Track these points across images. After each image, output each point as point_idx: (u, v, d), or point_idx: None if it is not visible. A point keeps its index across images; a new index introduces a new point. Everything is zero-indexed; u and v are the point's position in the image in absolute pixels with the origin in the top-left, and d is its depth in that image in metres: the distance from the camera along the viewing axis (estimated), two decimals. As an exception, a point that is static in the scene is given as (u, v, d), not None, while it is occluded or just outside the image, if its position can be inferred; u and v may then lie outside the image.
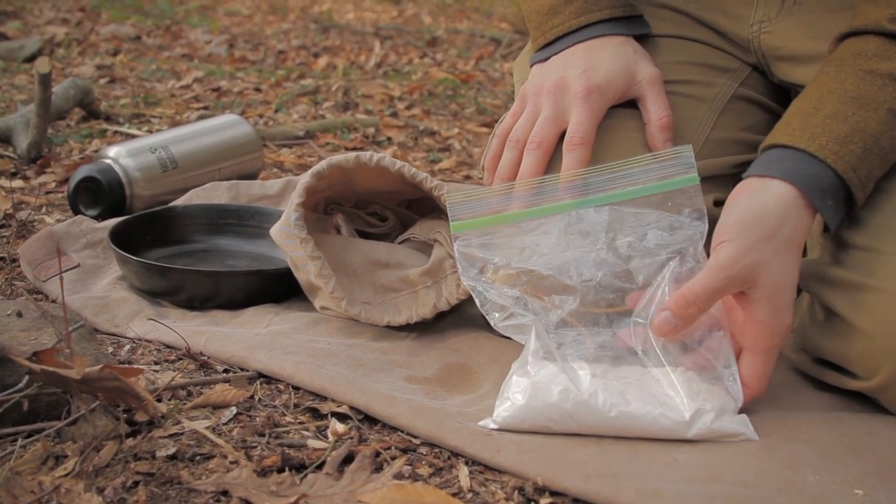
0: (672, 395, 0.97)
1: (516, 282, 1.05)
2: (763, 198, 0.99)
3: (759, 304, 0.97)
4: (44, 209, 1.67)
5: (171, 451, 0.93)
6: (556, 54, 1.19)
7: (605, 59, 1.16)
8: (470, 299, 1.22)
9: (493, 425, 0.98)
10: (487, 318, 1.06)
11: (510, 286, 1.06)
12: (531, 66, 1.23)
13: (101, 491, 0.86)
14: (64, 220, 1.52)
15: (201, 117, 2.36)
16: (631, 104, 1.18)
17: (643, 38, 1.22)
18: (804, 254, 1.13)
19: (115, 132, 2.23)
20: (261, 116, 2.53)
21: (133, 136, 2.12)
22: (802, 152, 1.00)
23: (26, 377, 0.93)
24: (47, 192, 1.76)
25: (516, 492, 0.89)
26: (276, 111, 2.60)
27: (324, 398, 1.05)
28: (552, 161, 1.14)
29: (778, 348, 0.99)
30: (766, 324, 0.98)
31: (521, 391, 0.98)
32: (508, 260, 1.06)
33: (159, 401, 1.03)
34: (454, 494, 0.89)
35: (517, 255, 1.06)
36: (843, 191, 1.01)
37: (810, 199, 0.99)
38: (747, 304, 0.98)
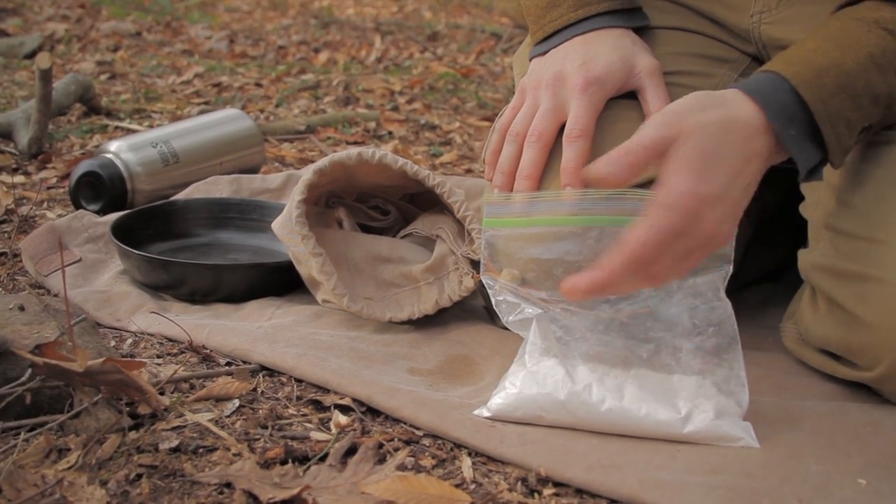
0: (671, 392, 0.97)
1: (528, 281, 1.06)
2: (711, 92, 0.98)
3: (669, 162, 0.92)
4: (45, 204, 1.67)
5: (174, 443, 0.93)
6: (554, 47, 1.19)
7: (603, 52, 1.16)
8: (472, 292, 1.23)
9: (486, 413, 0.98)
10: (499, 314, 1.06)
11: (519, 283, 1.06)
12: (530, 60, 1.23)
13: (104, 484, 0.86)
14: (65, 215, 1.52)
15: (202, 112, 2.36)
16: (631, 95, 1.18)
17: (642, 30, 1.22)
18: (805, 244, 1.13)
19: (116, 127, 2.23)
20: (262, 111, 2.53)
21: (134, 132, 2.12)
22: (775, 74, 0.98)
23: (29, 371, 0.93)
24: (48, 188, 1.76)
25: (519, 483, 0.90)
26: (277, 106, 2.60)
27: (326, 390, 1.05)
28: (552, 154, 1.14)
29: (677, 213, 0.91)
30: (665, 181, 0.92)
31: (516, 380, 0.98)
32: (531, 264, 1.06)
33: (162, 394, 1.03)
34: (457, 486, 0.89)
35: (538, 263, 1.06)
36: (810, 125, 0.97)
37: (765, 110, 0.95)
38: (664, 164, 0.94)
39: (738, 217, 0.96)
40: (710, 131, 0.93)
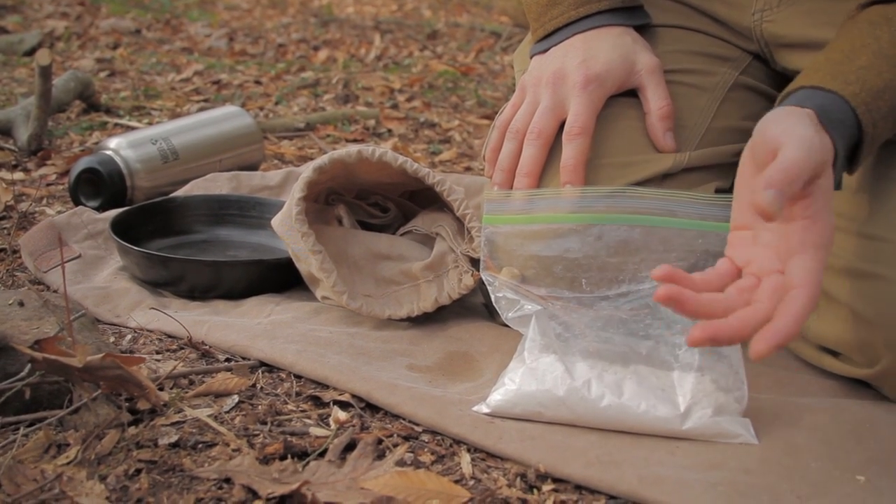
0: (670, 389, 0.97)
1: (527, 278, 1.06)
2: (796, 119, 0.92)
3: (820, 197, 0.88)
4: (44, 201, 1.67)
5: (174, 438, 0.93)
6: (555, 45, 1.19)
7: (603, 49, 1.16)
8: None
9: (485, 409, 0.98)
10: (499, 311, 1.06)
11: (519, 281, 1.06)
12: (531, 58, 1.23)
13: (103, 479, 0.86)
14: (65, 212, 1.52)
15: (202, 109, 2.36)
16: (631, 94, 1.18)
17: (643, 29, 1.22)
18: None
19: (116, 124, 2.23)
20: (261, 109, 2.53)
21: (134, 128, 2.12)
22: (834, 94, 0.95)
23: (28, 366, 0.93)
24: (48, 184, 1.76)
25: (518, 479, 0.90)
26: (277, 103, 2.60)
27: (325, 386, 1.06)
28: (552, 151, 1.14)
29: (828, 247, 0.87)
30: (821, 218, 0.88)
31: (515, 377, 0.99)
32: (531, 261, 1.06)
33: (161, 389, 1.03)
34: (456, 481, 0.89)
35: (537, 260, 1.06)
36: (855, 146, 0.96)
37: (835, 144, 0.91)
38: (805, 198, 0.88)
39: None
40: (829, 160, 0.90)
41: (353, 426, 0.97)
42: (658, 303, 1.03)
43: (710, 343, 0.83)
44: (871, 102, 0.95)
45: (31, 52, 2.99)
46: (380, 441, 0.94)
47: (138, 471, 0.88)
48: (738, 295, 0.87)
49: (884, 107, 0.96)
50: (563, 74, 1.15)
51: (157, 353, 1.14)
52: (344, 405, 1.02)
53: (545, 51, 1.20)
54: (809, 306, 0.83)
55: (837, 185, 0.97)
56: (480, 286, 1.19)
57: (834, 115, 0.93)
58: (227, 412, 1.00)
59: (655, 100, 1.16)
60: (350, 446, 0.93)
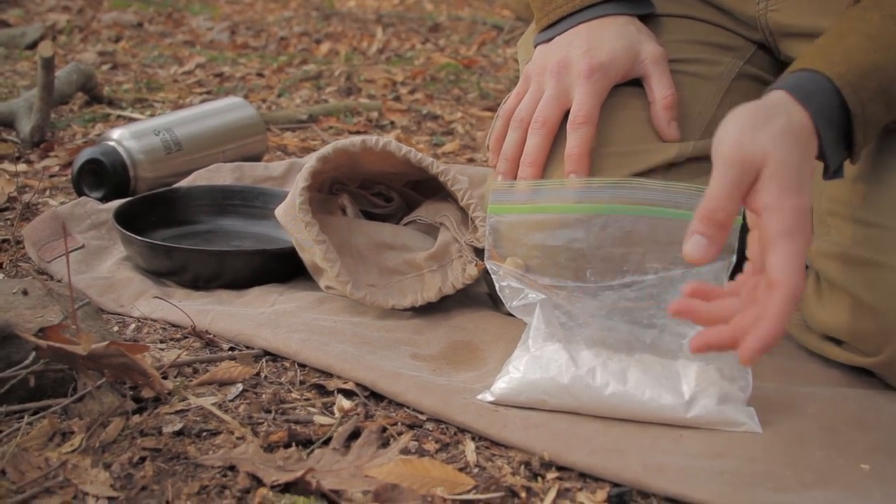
0: (674, 377, 0.97)
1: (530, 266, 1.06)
2: (758, 102, 0.91)
3: (766, 188, 0.85)
4: (47, 192, 1.66)
5: (178, 426, 0.93)
6: (559, 34, 1.19)
7: (608, 39, 1.16)
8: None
9: (490, 398, 0.98)
10: (503, 299, 1.06)
11: (523, 271, 1.06)
12: (535, 47, 1.23)
13: (107, 467, 0.86)
14: (68, 203, 1.51)
15: (204, 101, 2.36)
16: (636, 83, 1.18)
17: (648, 18, 1.22)
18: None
19: (119, 116, 2.23)
20: (263, 101, 2.52)
21: (136, 120, 2.12)
22: (819, 74, 0.93)
23: (33, 354, 0.93)
24: (51, 176, 1.76)
25: (523, 466, 0.90)
26: (279, 96, 2.59)
27: (329, 375, 1.05)
28: (556, 140, 1.14)
29: (801, 230, 0.83)
30: (773, 206, 0.84)
31: (519, 365, 0.99)
32: (535, 250, 1.06)
33: (165, 378, 1.03)
34: (461, 469, 0.89)
35: (542, 250, 1.06)
36: (846, 128, 0.94)
37: (812, 114, 0.90)
38: (755, 194, 0.86)
39: None
40: (787, 142, 0.87)
41: (358, 414, 0.97)
42: (659, 296, 1.04)
43: (708, 350, 0.84)
44: (858, 83, 0.93)
45: (33, 46, 2.98)
46: (384, 429, 0.94)
47: (143, 458, 0.88)
48: (746, 298, 0.86)
49: (871, 87, 0.94)
50: (568, 63, 1.15)
51: (161, 341, 1.14)
52: (348, 394, 1.02)
53: (549, 40, 1.20)
54: (787, 304, 0.81)
55: (837, 173, 0.97)
56: (485, 276, 1.19)
57: (813, 92, 0.91)
58: (232, 400, 1.00)
59: (660, 89, 1.15)
60: (354, 434, 0.93)
